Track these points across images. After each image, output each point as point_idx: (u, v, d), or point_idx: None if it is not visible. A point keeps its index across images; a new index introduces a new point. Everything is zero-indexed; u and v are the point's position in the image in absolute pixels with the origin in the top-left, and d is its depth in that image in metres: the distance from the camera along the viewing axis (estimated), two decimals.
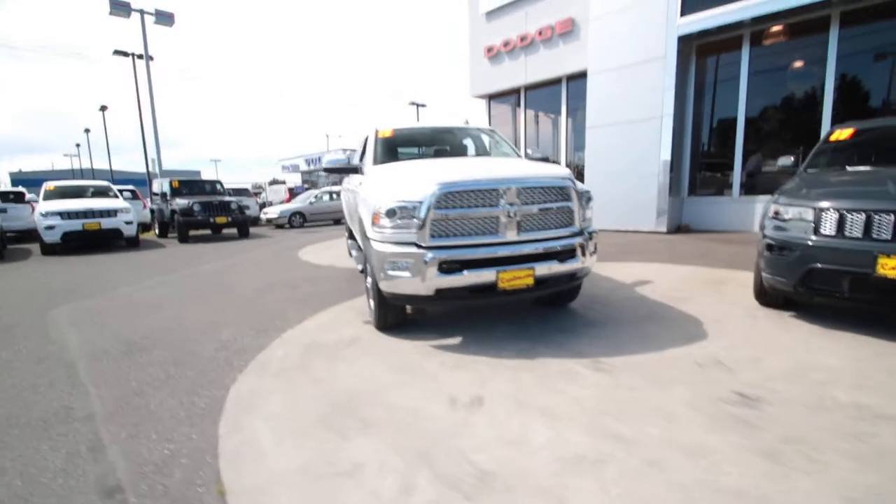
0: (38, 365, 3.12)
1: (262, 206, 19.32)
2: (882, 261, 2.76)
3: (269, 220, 15.56)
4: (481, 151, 4.63)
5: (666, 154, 8.28)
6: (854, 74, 7.14)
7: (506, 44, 11.18)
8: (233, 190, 16.11)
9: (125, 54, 19.50)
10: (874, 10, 6.69)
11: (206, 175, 53.45)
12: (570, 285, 3.46)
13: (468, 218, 2.99)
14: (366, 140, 4.93)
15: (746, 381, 2.48)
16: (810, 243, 3.10)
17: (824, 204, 3.10)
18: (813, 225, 3.14)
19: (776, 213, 3.45)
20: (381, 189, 3.23)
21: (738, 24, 7.71)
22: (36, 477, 1.86)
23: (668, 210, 8.40)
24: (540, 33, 10.43)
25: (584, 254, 3.27)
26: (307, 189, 22.79)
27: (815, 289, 3.13)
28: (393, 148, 4.45)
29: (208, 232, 12.76)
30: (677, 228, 8.77)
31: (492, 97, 12.38)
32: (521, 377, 2.62)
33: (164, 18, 17.51)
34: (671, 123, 8.19)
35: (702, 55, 8.48)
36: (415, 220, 2.96)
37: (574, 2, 9.77)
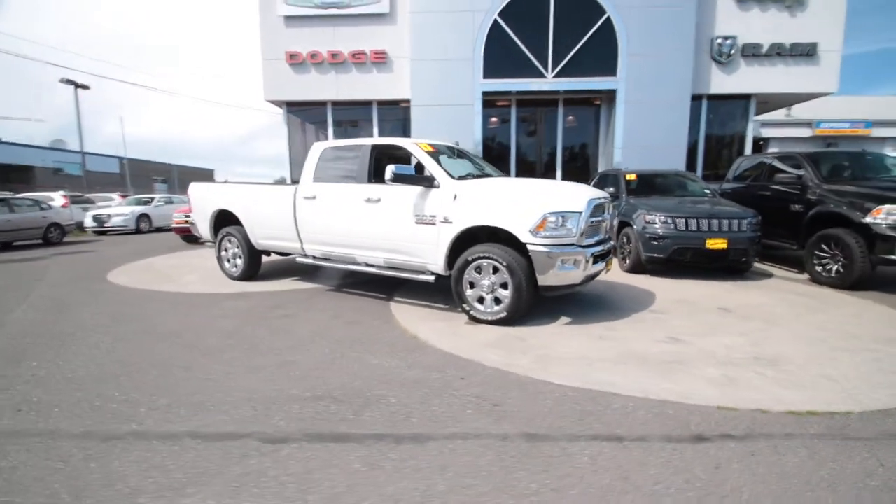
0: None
1: None
2: (708, 240, 5.80)
3: None
4: (490, 170, 5.48)
5: None
6: (572, 131, 11.79)
7: (313, 55, 11.08)
8: None
9: None
10: (579, 100, 11.35)
11: None
12: None
13: (595, 224, 4.15)
14: (383, 149, 4.91)
15: (705, 304, 4.83)
16: (674, 234, 5.94)
17: (676, 214, 6.00)
18: (673, 225, 6.00)
19: (647, 219, 6.20)
20: (535, 201, 3.90)
21: (509, 92, 11.13)
22: None
23: None
24: (354, 56, 11.04)
25: None
26: None
27: (675, 259, 6.01)
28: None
29: None
30: None
31: (291, 104, 11.82)
32: (651, 328, 4.05)
33: None
34: (480, 151, 10.82)
35: (489, 106, 11.50)
36: (573, 226, 3.87)
37: (386, 37, 11.00)
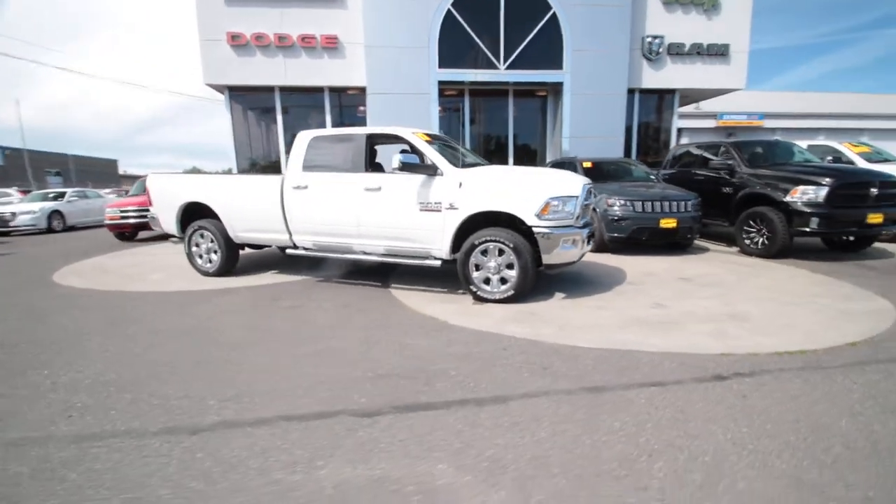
0: None
1: None
2: (661, 220, 6.58)
3: None
4: (475, 158, 5.74)
5: None
6: (521, 120, 12.36)
7: (259, 37, 10.50)
8: None
9: None
10: (528, 91, 11.92)
11: None
12: None
13: (585, 207, 4.61)
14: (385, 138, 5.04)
15: (667, 276, 5.56)
16: (633, 215, 6.66)
17: (634, 198, 6.72)
18: (631, 208, 6.71)
19: (609, 203, 6.87)
20: (538, 187, 4.25)
21: (462, 82, 11.41)
22: None
23: None
24: (303, 39, 10.63)
25: None
26: None
27: (634, 237, 6.75)
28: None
29: None
30: None
31: (234, 89, 11.11)
32: (635, 297, 4.64)
33: None
34: None
35: (442, 95, 11.68)
36: (572, 209, 4.29)
37: (338, 22, 10.73)
